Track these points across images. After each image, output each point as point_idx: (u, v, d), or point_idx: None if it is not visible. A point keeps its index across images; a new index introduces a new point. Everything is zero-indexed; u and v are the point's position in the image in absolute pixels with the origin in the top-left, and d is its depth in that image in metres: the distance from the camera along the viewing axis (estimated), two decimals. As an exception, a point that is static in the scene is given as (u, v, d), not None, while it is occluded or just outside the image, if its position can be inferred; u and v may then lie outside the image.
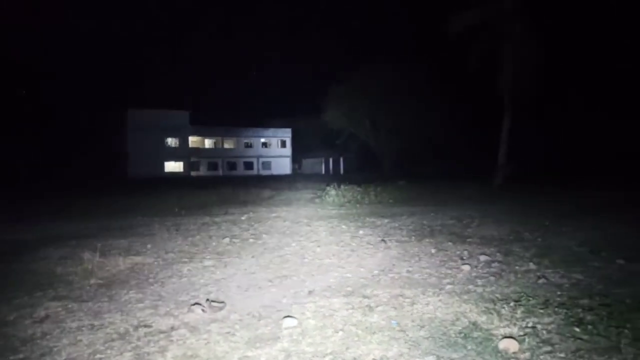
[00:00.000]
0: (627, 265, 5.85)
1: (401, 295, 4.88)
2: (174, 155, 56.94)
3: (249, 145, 64.81)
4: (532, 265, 6.05)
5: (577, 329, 3.75)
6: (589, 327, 3.76)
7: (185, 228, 10.38)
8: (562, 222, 9.80)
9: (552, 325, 3.85)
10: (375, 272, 6.05)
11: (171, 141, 57.50)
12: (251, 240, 8.68)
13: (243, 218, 12.07)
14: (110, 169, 45.88)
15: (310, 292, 5.14)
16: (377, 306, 4.54)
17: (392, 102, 38.13)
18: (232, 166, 61.66)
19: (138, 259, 7.08)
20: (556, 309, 4.21)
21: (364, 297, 4.88)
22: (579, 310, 4.14)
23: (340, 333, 3.88)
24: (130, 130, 52.03)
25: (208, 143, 62.79)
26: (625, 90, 30.14)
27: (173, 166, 56.62)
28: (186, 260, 6.98)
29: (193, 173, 56.91)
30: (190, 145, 59.29)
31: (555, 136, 36.50)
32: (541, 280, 5.32)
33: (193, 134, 59.14)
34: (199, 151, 60.31)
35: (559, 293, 4.78)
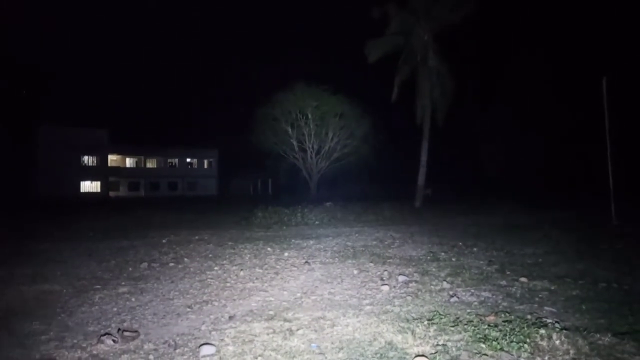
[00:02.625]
0: (528, 283, 6.35)
1: (322, 318, 4.93)
2: (90, 174, 53.63)
3: (173, 165, 62.67)
4: (445, 284, 6.37)
5: (483, 345, 3.99)
6: (494, 342, 4.02)
7: (99, 253, 9.78)
8: (475, 243, 10.44)
9: (461, 342, 4.08)
10: (298, 294, 6.07)
11: (88, 159, 54.20)
12: (171, 264, 8.36)
13: (164, 241, 11.60)
14: (17, 189, 42.23)
15: (230, 318, 5.05)
16: (297, 329, 4.55)
17: (319, 124, 38.87)
18: (155, 186, 59.16)
19: (45, 287, 6.56)
20: (465, 326, 4.46)
21: (285, 320, 4.87)
22: (485, 327, 4.41)
23: (260, 359, 3.84)
24: (43, 147, 48.44)
25: (129, 162, 59.90)
26: (545, 114, 32.67)
27: (90, 186, 53.30)
28: (99, 287, 6.58)
29: (112, 193, 53.88)
30: (110, 164, 56.24)
31: (472, 160, 39.03)
32: (453, 299, 5.62)
33: (113, 152, 56.18)
34: (119, 170, 57.32)
35: (468, 311, 5.07)
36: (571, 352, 3.80)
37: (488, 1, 24.34)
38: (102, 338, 4.34)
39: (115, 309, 5.46)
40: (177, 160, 62.78)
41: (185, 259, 8.85)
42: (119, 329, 4.63)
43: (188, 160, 63.72)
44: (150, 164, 60.97)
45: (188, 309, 5.43)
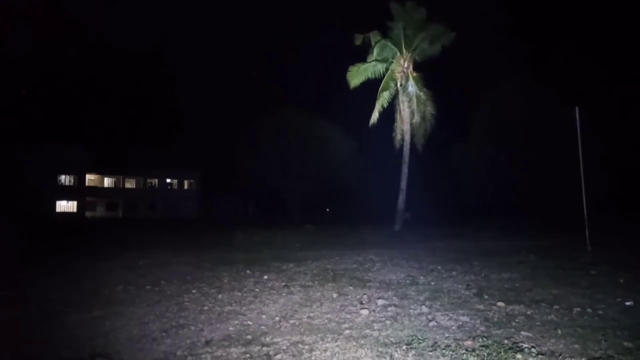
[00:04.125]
0: (505, 308, 6.41)
1: (300, 342, 4.89)
2: (67, 194, 52.47)
3: (152, 186, 61.83)
4: (424, 309, 6.39)
5: (461, 370, 4.01)
6: (471, 367, 4.04)
7: (73, 275, 9.54)
8: (453, 267, 10.52)
9: (439, 367, 4.09)
10: (277, 318, 6.01)
11: (65, 179, 53.10)
12: (148, 287, 8.20)
13: (141, 263, 11.39)
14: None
15: (207, 342, 4.96)
16: (275, 354, 4.50)
17: (300, 148, 39.18)
18: (134, 207, 58.11)
19: (12, 312, 6.35)
20: (443, 351, 4.47)
21: (263, 345, 4.81)
22: (463, 351, 4.44)
23: (236, 384, 3.78)
24: (19, 166, 47.24)
25: (107, 182, 58.89)
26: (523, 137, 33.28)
27: (66, 206, 52.10)
28: (71, 310, 6.39)
29: (88, 214, 52.74)
30: (88, 183, 55.17)
31: (453, 185, 39.53)
32: (432, 323, 5.63)
33: (91, 171, 55.17)
34: (97, 190, 56.26)
35: (446, 335, 5.09)
36: (546, 377, 3.84)
37: (468, 33, 25.19)
38: (74, 363, 4.22)
39: (88, 334, 5.31)
40: (157, 180, 61.98)
41: (162, 282, 8.69)
42: (91, 355, 4.51)
43: (168, 180, 63.01)
44: (129, 184, 60.04)
45: (164, 334, 5.32)
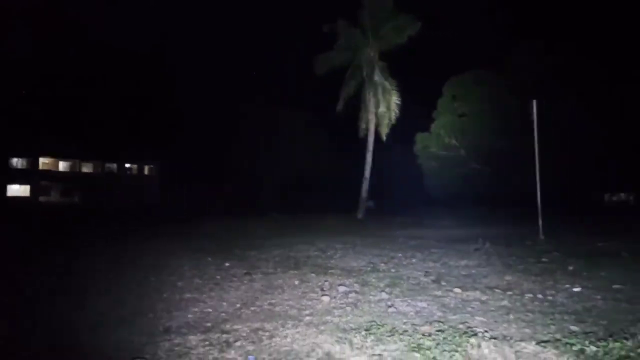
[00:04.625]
0: (461, 294, 6.61)
1: (261, 329, 4.88)
2: (19, 177, 50.06)
3: (111, 171, 59.85)
4: (384, 295, 6.51)
5: (417, 355, 4.11)
6: (427, 352, 4.15)
7: (25, 260, 9.17)
8: (413, 254, 10.75)
9: (397, 352, 4.17)
10: (237, 305, 5.98)
11: (17, 162, 50.63)
12: (105, 274, 7.98)
13: (97, 250, 11.06)
14: None
15: (165, 330, 4.89)
16: (235, 341, 4.48)
17: (269, 137, 38.95)
18: (91, 193, 56.07)
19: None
20: (401, 336, 4.57)
21: (223, 332, 4.78)
22: (420, 336, 4.55)
23: (194, 372, 3.75)
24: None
25: (62, 166, 56.43)
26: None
27: (17, 190, 49.72)
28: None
29: (42, 199, 50.59)
30: (41, 167, 52.76)
31: (415, 175, 40.16)
32: (391, 309, 5.75)
33: (44, 154, 52.71)
34: (51, 174, 53.90)
35: (404, 320, 5.21)
36: (498, 359, 4.00)
37: (434, 23, 25.52)
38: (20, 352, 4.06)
39: (44, 323, 5.13)
40: (115, 165, 59.99)
41: (121, 270, 8.48)
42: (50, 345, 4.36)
43: (127, 165, 61.10)
44: (86, 168, 57.82)
45: (120, 321, 5.20)
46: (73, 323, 5.14)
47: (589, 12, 36.84)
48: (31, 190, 50.58)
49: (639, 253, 10.15)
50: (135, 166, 61.59)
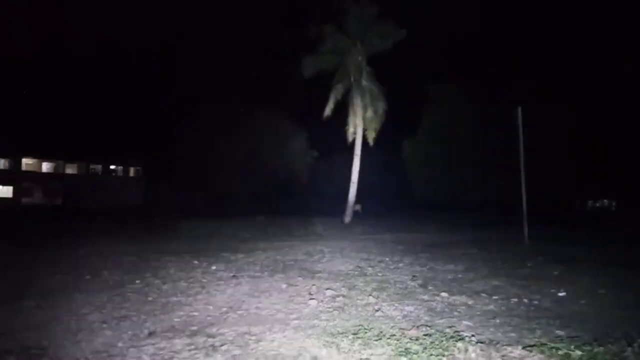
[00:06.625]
0: (448, 298, 6.63)
1: (247, 333, 4.83)
2: (1, 178, 49.14)
3: (95, 172, 59.09)
4: (371, 299, 6.50)
5: (404, 359, 4.10)
6: (414, 356, 4.14)
7: (8, 265, 8.97)
8: (400, 259, 10.76)
9: (384, 356, 4.16)
10: (224, 309, 5.91)
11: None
12: (87, 277, 7.85)
13: (81, 252, 10.89)
14: None
15: (150, 334, 4.80)
16: (221, 345, 4.42)
17: (252, 139, 38.77)
18: (75, 194, 55.24)
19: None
20: (388, 340, 4.56)
21: (209, 336, 4.72)
22: (407, 340, 4.54)
23: (179, 376, 3.68)
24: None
25: (46, 167, 55.58)
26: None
27: (0, 191, 48.82)
28: (1, 300, 6.01)
29: (25, 200, 49.70)
30: (24, 168, 51.88)
31: (402, 180, 40.39)
32: (378, 313, 5.74)
33: (27, 155, 51.86)
34: (34, 176, 53.02)
35: (392, 325, 5.19)
36: (485, 364, 4.01)
37: (418, 29, 25.69)
38: (4, 357, 3.95)
39: (19, 325, 5.01)
40: (100, 166, 59.27)
41: (104, 272, 8.34)
42: (22, 347, 4.25)
43: (112, 167, 60.41)
44: (70, 169, 56.99)
45: (104, 325, 5.10)
46: (50, 325, 5.02)
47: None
48: (14, 192, 49.68)
49: (621, 259, 10.32)
50: (120, 168, 60.90)
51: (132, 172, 61.71)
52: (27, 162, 52.37)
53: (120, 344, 4.47)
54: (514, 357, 4.16)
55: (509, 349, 4.36)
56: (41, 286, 7.05)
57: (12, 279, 7.55)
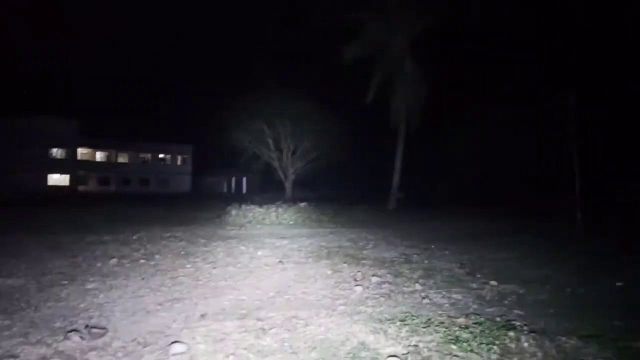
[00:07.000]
0: (498, 287, 6.48)
1: (295, 317, 4.91)
2: (59, 167, 51.95)
3: (145, 161, 61.45)
4: (418, 286, 6.44)
5: (454, 347, 4.05)
6: (464, 344, 4.08)
7: (66, 247, 9.52)
8: (447, 246, 10.59)
9: (433, 343, 4.12)
10: (271, 294, 6.03)
11: (57, 152, 52.52)
12: (142, 261, 8.20)
13: (134, 237, 11.38)
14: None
15: (202, 316, 4.97)
16: (270, 328, 4.52)
17: (295, 124, 38.92)
18: (126, 182, 57.81)
19: (8, 281, 6.34)
20: (437, 328, 4.51)
21: (258, 319, 4.83)
22: (456, 328, 4.48)
23: (231, 357, 3.80)
24: (7, 138, 46.48)
25: (99, 156, 58.29)
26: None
27: (58, 179, 51.62)
28: (66, 282, 6.39)
29: (81, 188, 52.38)
30: (79, 157, 54.62)
31: (448, 164, 39.47)
32: (425, 300, 5.69)
33: (82, 145, 54.55)
34: (89, 164, 55.79)
35: (440, 312, 5.14)
36: (539, 354, 3.89)
37: (463, 8, 24.61)
38: (69, 334, 4.21)
39: (82, 305, 5.31)
40: (149, 155, 61.57)
41: (157, 256, 8.70)
42: (86, 326, 4.51)
43: (161, 156, 62.59)
44: (122, 158, 59.54)
45: (159, 307, 5.33)
46: (109, 306, 5.29)
47: None
48: (70, 180, 52.44)
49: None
50: (168, 156, 63.04)
51: (179, 160, 63.71)
52: (82, 152, 55.10)
53: (174, 325, 4.65)
54: (570, 348, 4.02)
55: (564, 339, 4.22)
56: (100, 269, 7.44)
57: (73, 262, 7.98)
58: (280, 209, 18.93)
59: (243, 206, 18.58)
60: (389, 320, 4.79)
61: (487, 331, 4.38)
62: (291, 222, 16.61)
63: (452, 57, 27.48)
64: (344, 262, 8.33)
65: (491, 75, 33.04)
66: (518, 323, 4.70)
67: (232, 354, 3.87)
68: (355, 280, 6.89)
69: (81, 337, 4.17)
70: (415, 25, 23.86)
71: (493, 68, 32.73)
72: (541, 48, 30.79)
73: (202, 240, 11.01)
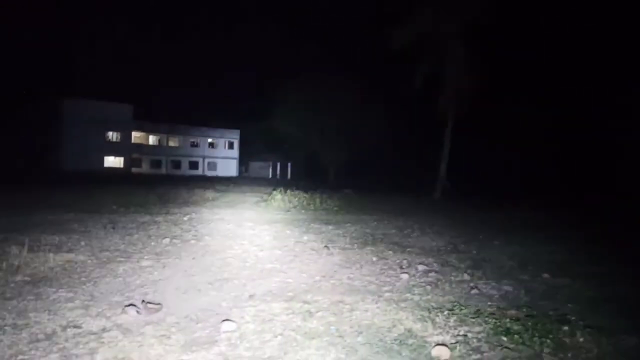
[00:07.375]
0: (551, 280, 6.25)
1: (341, 302, 4.94)
2: (114, 150, 54.48)
3: (195, 145, 63.46)
4: (466, 276, 6.32)
5: (505, 338, 3.96)
6: (515, 336, 3.98)
7: (122, 226, 9.98)
8: (495, 237, 10.31)
9: (482, 334, 4.04)
10: (317, 278, 6.09)
11: (112, 135, 55.02)
12: (192, 241, 8.48)
13: (185, 219, 11.77)
14: (41, 162, 43.24)
15: (250, 296, 5.10)
16: (317, 312, 4.57)
17: (337, 114, 38.87)
18: (177, 165, 60.04)
19: (70, 256, 6.73)
20: (486, 319, 4.42)
21: (305, 302, 4.90)
22: (507, 320, 4.37)
23: (279, 338, 3.88)
24: (68, 121, 49.08)
25: (152, 140, 60.72)
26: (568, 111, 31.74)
27: (113, 161, 54.19)
28: (122, 259, 6.71)
29: (134, 170, 54.74)
30: (133, 140, 57.04)
31: (497, 154, 38.26)
32: (474, 291, 5.57)
33: (136, 129, 56.91)
34: (142, 147, 58.18)
35: (489, 303, 5.02)
36: (595, 350, 3.74)
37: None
38: (126, 309, 4.43)
39: (138, 282, 5.57)
40: (199, 140, 63.50)
41: (206, 237, 8.97)
42: (142, 301, 4.73)
43: (209, 140, 64.37)
44: (173, 142, 61.84)
45: (209, 286, 5.50)
46: (163, 283, 5.51)
47: None
48: (124, 162, 54.90)
49: None
50: (216, 140, 64.77)
51: (227, 145, 65.28)
52: (135, 135, 57.44)
53: (224, 304, 4.79)
54: (630, 346, 3.84)
55: (622, 336, 4.03)
56: (154, 248, 7.76)
57: (128, 240, 8.37)
58: (324, 195, 19.02)
59: (288, 191, 18.80)
60: (436, 308, 4.73)
61: (539, 324, 4.25)
62: (335, 209, 16.64)
63: (504, 45, 26.43)
64: (390, 250, 8.28)
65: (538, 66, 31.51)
66: (573, 318, 4.54)
67: (280, 334, 3.95)
68: (401, 267, 6.84)
69: (137, 312, 4.38)
70: (467, 10, 22.97)
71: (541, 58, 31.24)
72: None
73: (249, 224, 11.24)
